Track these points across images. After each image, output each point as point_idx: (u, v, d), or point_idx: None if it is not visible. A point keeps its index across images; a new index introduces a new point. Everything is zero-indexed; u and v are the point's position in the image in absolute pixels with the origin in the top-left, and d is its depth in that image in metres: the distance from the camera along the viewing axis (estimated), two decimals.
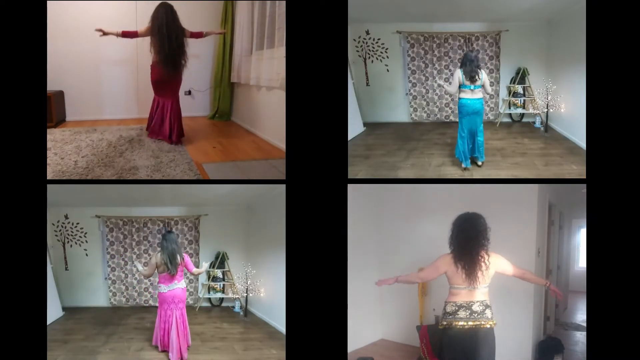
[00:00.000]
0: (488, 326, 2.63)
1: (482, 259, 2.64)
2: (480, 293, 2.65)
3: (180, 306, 3.64)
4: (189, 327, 3.74)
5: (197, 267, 4.33)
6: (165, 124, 4.79)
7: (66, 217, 4.96)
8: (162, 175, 3.82)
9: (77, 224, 5.01)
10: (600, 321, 2.86)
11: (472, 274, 2.62)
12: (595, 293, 2.87)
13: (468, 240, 2.64)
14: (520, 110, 5.28)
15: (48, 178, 3.09)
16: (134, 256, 5.07)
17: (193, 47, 5.10)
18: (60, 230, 4.96)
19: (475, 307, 2.64)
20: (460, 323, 2.63)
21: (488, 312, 2.65)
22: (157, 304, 3.73)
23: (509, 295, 3.51)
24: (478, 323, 2.63)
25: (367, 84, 5.43)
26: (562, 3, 4.41)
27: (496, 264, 2.69)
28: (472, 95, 3.82)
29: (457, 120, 3.95)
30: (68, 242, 5.00)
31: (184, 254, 3.67)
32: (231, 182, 3.97)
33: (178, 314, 3.60)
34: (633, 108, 2.88)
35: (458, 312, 2.65)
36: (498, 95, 5.40)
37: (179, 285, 3.63)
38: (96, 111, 6.13)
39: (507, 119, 5.37)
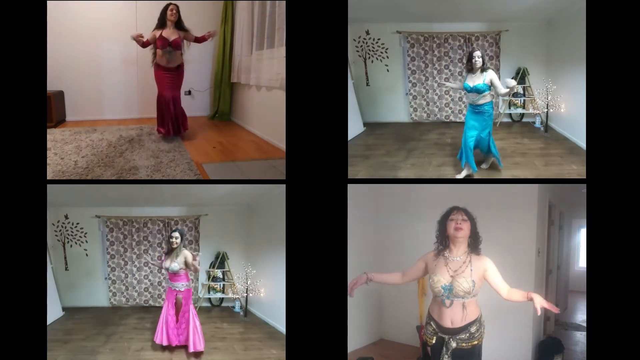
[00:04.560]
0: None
1: None
2: None
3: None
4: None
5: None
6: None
7: (66, 217, 4.96)
8: (162, 175, 3.82)
9: (77, 224, 5.00)
10: (600, 321, 2.86)
11: None
12: (595, 293, 2.87)
13: None
14: (520, 110, 5.28)
15: (48, 178, 3.09)
16: (134, 256, 5.07)
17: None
18: (60, 230, 4.96)
19: None
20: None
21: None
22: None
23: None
24: None
25: (367, 84, 5.42)
26: (562, 3, 4.41)
27: None
28: None
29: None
30: (68, 242, 5.00)
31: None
32: (231, 182, 3.96)
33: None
34: (633, 108, 2.88)
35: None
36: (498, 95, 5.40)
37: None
38: (96, 111, 6.13)
39: (507, 119, 5.37)
